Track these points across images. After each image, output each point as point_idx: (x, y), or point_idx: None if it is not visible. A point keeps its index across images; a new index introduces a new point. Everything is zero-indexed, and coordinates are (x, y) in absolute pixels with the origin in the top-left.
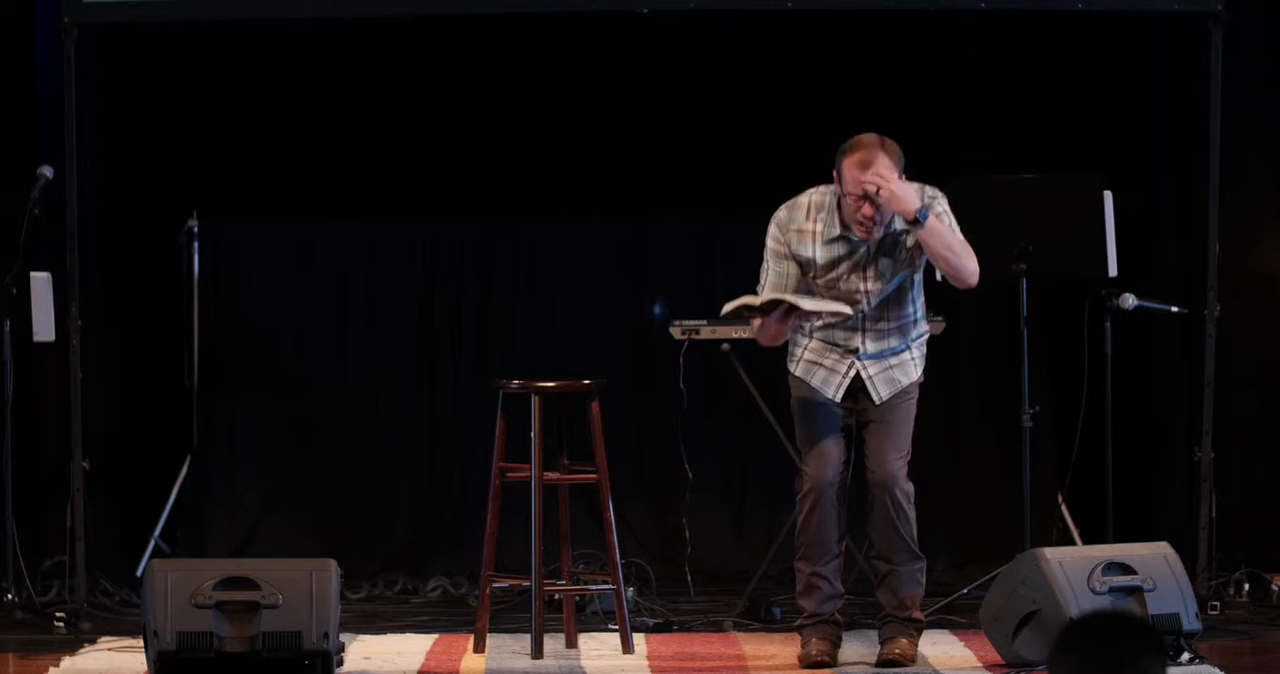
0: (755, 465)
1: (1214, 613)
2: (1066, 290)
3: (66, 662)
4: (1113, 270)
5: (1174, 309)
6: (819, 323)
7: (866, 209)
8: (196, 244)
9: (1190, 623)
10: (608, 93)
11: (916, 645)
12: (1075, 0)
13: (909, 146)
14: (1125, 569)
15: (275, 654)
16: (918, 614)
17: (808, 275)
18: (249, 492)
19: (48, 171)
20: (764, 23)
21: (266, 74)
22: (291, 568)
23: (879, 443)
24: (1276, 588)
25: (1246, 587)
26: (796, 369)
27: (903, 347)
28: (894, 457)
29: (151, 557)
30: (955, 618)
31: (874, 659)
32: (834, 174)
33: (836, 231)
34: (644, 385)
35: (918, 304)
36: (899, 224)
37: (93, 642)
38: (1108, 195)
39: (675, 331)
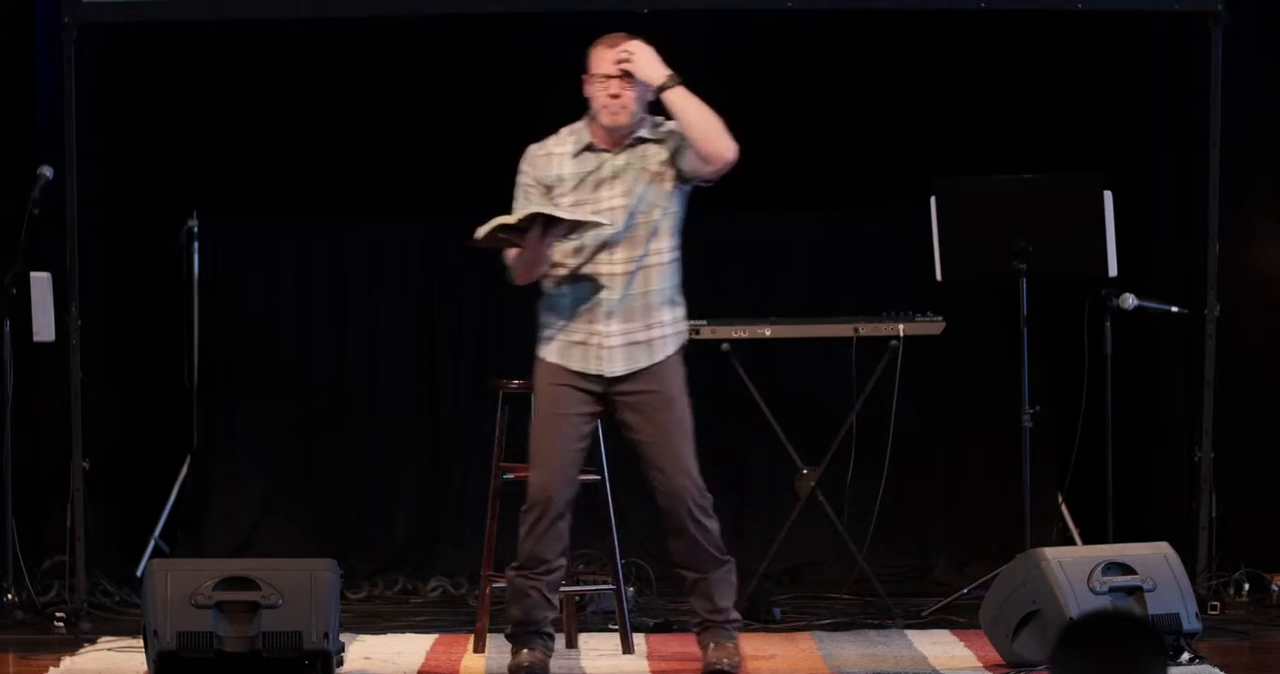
0: (755, 465)
1: (1214, 613)
2: (1066, 290)
3: (66, 662)
4: (1113, 270)
5: (1174, 309)
6: (567, 264)
7: (613, 86)
8: (196, 244)
9: (1190, 623)
10: None
11: (739, 647)
12: (1075, 0)
13: (910, 146)
14: (1125, 569)
15: (275, 654)
16: (735, 615)
17: (554, 201)
18: (249, 492)
19: (48, 171)
20: (763, 23)
21: (266, 74)
22: (291, 568)
23: (659, 460)
24: (1276, 588)
25: (1246, 587)
26: (550, 353)
27: (653, 304)
28: (677, 471)
29: (151, 557)
30: (955, 618)
31: (863, 663)
32: (584, 80)
33: (586, 140)
34: None
35: (669, 259)
36: (645, 133)
37: (93, 642)
38: (1108, 195)
39: None
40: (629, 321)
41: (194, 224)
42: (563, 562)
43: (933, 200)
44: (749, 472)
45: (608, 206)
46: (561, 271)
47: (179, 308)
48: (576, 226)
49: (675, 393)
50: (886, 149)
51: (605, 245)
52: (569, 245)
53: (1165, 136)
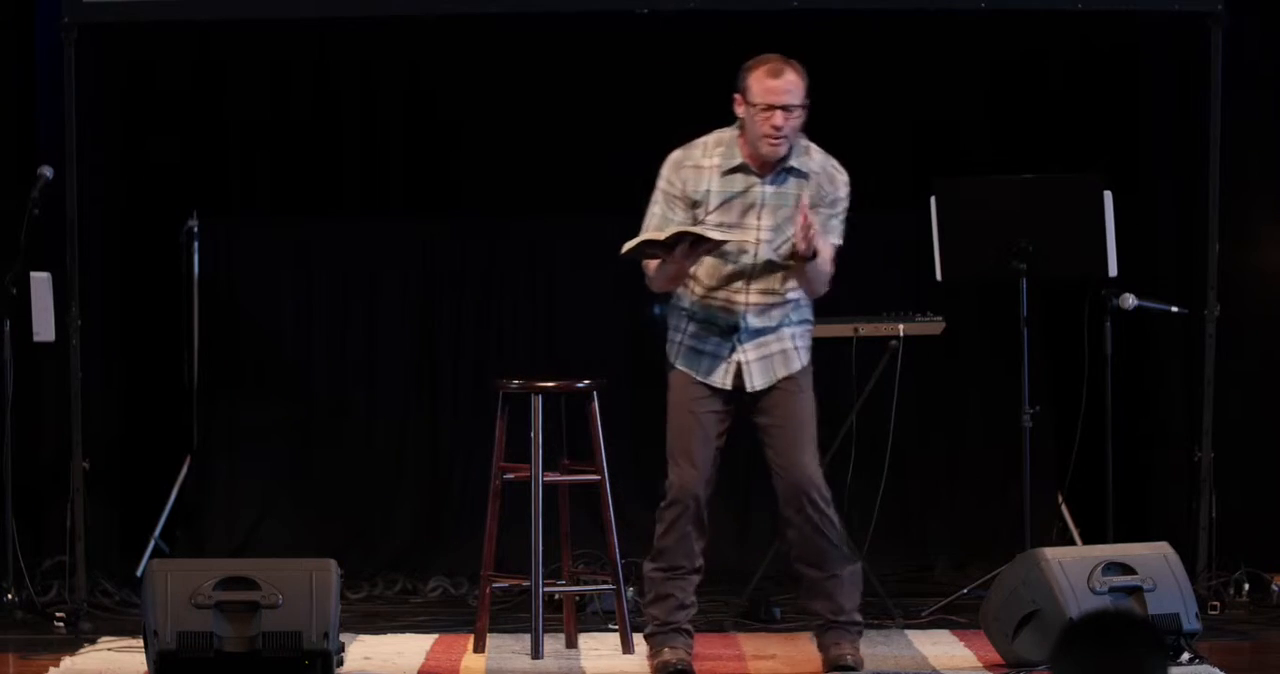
0: (756, 466)
1: (1214, 613)
2: (1066, 290)
3: (66, 662)
4: (1113, 270)
5: (1174, 309)
6: (704, 284)
7: (777, 118)
8: (196, 244)
9: (1190, 623)
10: (608, 92)
11: (859, 649)
12: (1075, 0)
13: (910, 146)
14: (1125, 569)
15: (275, 654)
16: (859, 617)
17: (698, 216)
18: (249, 492)
19: (48, 171)
20: (765, 23)
21: (266, 74)
22: (291, 568)
23: (787, 446)
24: (1276, 588)
25: (1246, 587)
26: (679, 361)
27: (784, 326)
28: (807, 459)
29: (151, 557)
30: (955, 618)
31: (875, 663)
32: (735, 98)
33: (736, 161)
34: (644, 385)
35: (801, 296)
36: (794, 162)
37: (93, 642)
38: (1108, 195)
39: None
40: (761, 340)
41: (194, 224)
42: (702, 562)
43: (933, 200)
44: (750, 472)
45: (753, 237)
46: (698, 290)
47: (179, 308)
48: (720, 246)
49: (805, 385)
50: (886, 149)
51: (743, 275)
52: (708, 264)
53: (1166, 136)
